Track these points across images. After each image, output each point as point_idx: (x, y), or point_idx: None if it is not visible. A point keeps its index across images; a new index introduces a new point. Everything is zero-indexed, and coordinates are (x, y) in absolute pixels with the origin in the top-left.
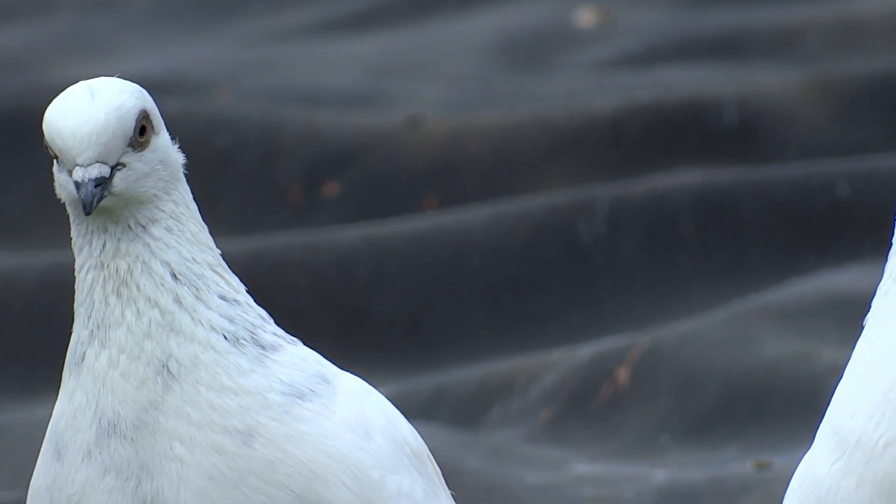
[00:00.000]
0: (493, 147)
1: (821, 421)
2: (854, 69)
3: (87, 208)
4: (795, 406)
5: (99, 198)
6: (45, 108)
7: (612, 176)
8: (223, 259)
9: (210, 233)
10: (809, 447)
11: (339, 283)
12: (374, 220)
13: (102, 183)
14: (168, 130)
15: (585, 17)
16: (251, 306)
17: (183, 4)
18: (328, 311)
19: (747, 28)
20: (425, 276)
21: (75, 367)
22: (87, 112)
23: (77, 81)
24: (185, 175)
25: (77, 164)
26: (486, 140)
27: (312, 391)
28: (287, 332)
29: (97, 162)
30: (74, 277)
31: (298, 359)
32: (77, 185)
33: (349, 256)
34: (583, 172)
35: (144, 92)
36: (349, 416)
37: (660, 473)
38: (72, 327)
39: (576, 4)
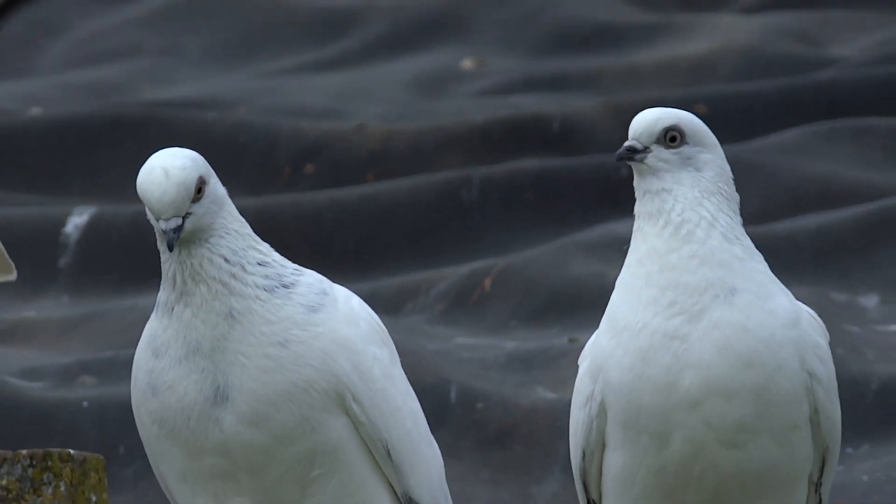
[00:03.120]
0: (410, 144)
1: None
2: (633, 97)
3: (170, 247)
4: (594, 304)
5: (176, 238)
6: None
7: (483, 162)
8: (255, 234)
9: (241, 212)
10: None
11: (313, 224)
12: (336, 188)
13: (178, 229)
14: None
15: (468, 64)
16: (275, 261)
17: (218, 51)
18: (307, 242)
19: (569, 71)
20: (368, 222)
21: (167, 312)
22: (165, 187)
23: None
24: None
25: (161, 219)
26: (406, 139)
27: (321, 304)
28: (290, 261)
29: (173, 217)
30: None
31: (308, 286)
32: (163, 231)
33: (319, 210)
34: (465, 160)
35: (199, 160)
36: (345, 312)
37: (509, 344)
38: (156, 269)
39: (462, 55)
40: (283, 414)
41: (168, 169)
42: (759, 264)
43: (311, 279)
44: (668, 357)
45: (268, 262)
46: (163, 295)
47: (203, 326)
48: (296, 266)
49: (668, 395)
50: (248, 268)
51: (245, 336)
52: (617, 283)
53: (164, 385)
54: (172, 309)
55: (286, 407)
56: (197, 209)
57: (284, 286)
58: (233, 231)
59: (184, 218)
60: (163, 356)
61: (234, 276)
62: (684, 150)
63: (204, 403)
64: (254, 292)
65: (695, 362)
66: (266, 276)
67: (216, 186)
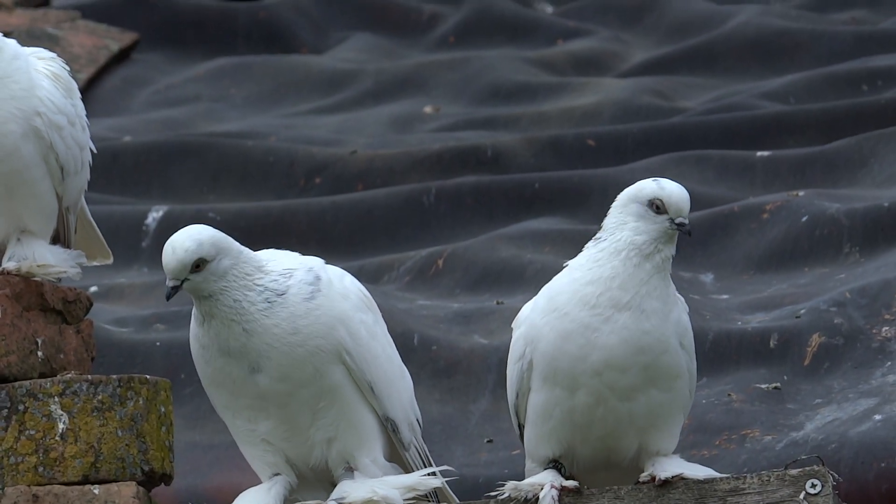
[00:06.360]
0: (388, 164)
1: (533, 294)
2: (541, 134)
3: (167, 298)
4: (514, 278)
5: (171, 295)
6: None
7: (438, 178)
8: (261, 261)
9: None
10: (531, 300)
11: (319, 220)
12: (336, 195)
13: (176, 287)
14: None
15: (428, 109)
16: (272, 278)
17: (255, 98)
18: (315, 232)
19: (498, 115)
20: (358, 219)
21: (202, 324)
22: (170, 260)
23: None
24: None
25: (168, 279)
26: (385, 161)
27: (318, 290)
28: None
29: (173, 279)
30: None
31: (299, 282)
32: (167, 287)
33: (324, 210)
34: (425, 175)
35: (206, 245)
36: (339, 290)
37: (455, 305)
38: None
39: (424, 104)
40: (302, 371)
41: (176, 248)
42: (669, 286)
43: (300, 275)
44: (581, 340)
45: (263, 286)
46: (195, 316)
47: (227, 337)
48: (285, 267)
49: (577, 364)
50: (251, 299)
51: (263, 338)
52: (567, 268)
53: (213, 367)
54: (207, 326)
55: (303, 366)
56: (195, 278)
57: (280, 295)
58: (236, 283)
59: (183, 281)
60: (208, 349)
61: (237, 312)
62: None
63: (244, 375)
64: (258, 314)
65: (601, 346)
66: (266, 299)
67: (219, 263)
